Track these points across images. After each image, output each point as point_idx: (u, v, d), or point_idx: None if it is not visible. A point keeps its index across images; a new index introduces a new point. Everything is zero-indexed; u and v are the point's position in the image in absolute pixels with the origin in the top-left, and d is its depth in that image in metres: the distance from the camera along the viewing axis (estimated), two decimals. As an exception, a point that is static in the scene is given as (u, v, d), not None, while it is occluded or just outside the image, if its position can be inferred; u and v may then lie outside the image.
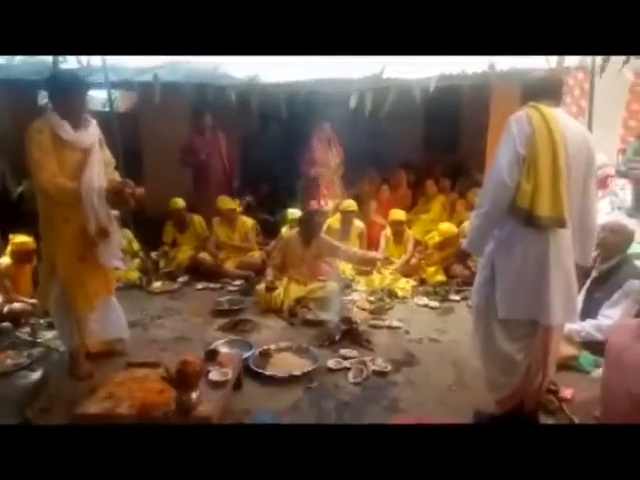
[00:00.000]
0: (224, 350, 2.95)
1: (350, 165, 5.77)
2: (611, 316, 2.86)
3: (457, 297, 4.14)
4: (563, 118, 2.14)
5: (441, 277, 4.47)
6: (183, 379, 2.09)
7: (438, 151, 7.43)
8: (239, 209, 4.92)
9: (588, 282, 3.07)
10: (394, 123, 6.51)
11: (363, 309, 3.90)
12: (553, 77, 2.34)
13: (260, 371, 2.79)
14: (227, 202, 4.83)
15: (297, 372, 2.78)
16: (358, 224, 4.86)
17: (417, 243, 4.77)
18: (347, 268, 4.60)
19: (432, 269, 4.53)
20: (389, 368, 2.90)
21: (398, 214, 4.78)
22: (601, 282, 2.99)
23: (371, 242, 4.99)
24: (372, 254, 4.38)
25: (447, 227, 4.55)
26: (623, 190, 6.59)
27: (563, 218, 2.07)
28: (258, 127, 7.53)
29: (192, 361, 2.12)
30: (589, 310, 3.00)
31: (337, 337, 3.26)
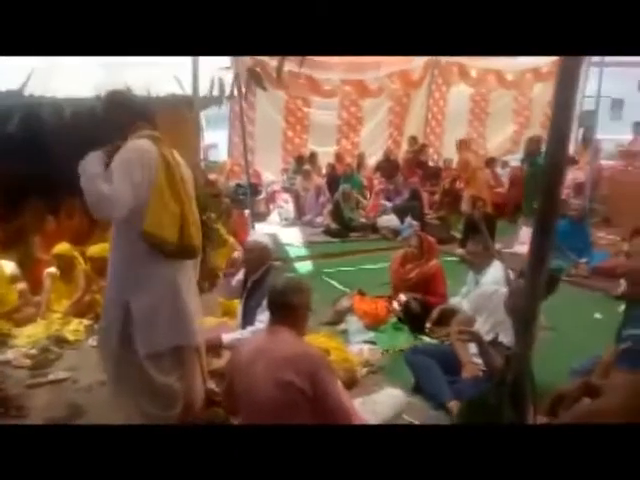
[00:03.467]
0: None
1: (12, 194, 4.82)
2: (263, 320, 3.24)
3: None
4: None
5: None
6: None
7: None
8: None
9: (245, 293, 3.41)
10: (58, 144, 5.84)
11: (20, 367, 3.30)
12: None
13: None
14: None
15: None
16: (6, 265, 4.09)
17: (91, 277, 4.36)
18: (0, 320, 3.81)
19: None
20: (42, 434, 2.50)
21: (62, 248, 4.27)
22: (253, 291, 3.36)
23: (38, 283, 4.30)
24: None
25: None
26: (288, 203, 7.83)
27: (196, 245, 2.22)
28: None
29: None
30: (248, 318, 3.34)
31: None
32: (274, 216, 7.51)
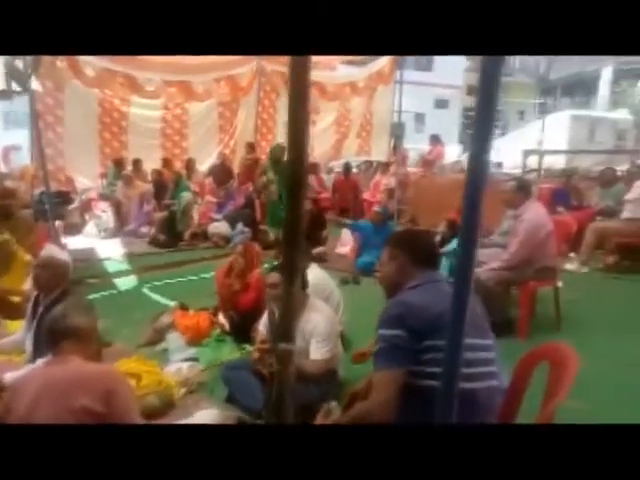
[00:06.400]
0: None
1: None
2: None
3: None
4: None
5: None
6: None
7: None
8: None
9: (35, 321, 2.94)
10: None
11: None
12: None
13: None
14: None
15: None
16: None
17: None
18: None
19: None
20: None
21: None
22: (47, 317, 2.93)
23: None
24: None
25: None
26: (106, 212, 7.10)
27: None
28: None
29: None
30: (40, 349, 2.87)
31: None
32: (90, 227, 6.74)
